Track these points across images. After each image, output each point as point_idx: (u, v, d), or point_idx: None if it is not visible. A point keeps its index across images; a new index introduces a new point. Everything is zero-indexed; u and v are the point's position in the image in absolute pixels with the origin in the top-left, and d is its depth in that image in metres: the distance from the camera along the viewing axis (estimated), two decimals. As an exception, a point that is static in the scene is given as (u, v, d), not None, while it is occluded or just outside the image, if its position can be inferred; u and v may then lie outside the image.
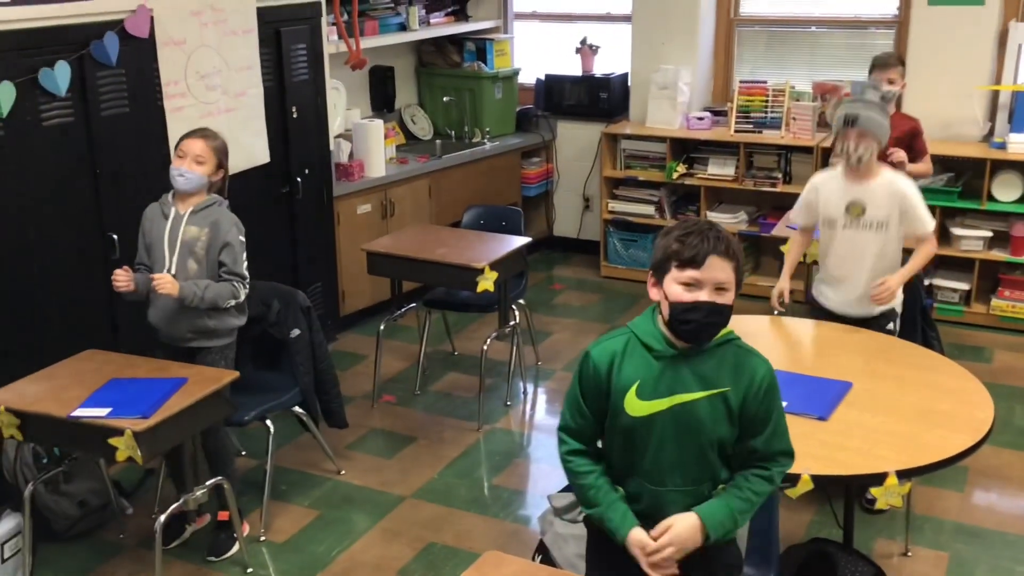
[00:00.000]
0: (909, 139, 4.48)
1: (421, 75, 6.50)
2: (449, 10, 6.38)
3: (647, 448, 2.19)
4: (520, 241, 4.52)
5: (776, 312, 3.76)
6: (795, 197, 5.48)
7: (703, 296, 2.11)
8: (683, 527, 2.17)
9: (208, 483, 3.36)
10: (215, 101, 4.37)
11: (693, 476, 2.20)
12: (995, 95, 5.35)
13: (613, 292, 6.07)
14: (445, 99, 6.31)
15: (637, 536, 2.19)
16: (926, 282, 5.34)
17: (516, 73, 6.47)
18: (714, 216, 5.89)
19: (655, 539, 2.17)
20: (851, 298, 3.65)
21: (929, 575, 3.34)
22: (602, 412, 2.24)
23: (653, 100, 6.03)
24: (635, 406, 2.17)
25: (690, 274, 2.11)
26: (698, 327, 2.13)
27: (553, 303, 5.92)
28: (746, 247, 5.90)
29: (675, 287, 2.13)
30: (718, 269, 2.11)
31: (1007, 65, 5.26)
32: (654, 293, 2.20)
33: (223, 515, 3.56)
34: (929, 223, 3.57)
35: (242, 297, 3.50)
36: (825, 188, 3.67)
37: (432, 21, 6.22)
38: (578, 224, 6.70)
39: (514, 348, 4.71)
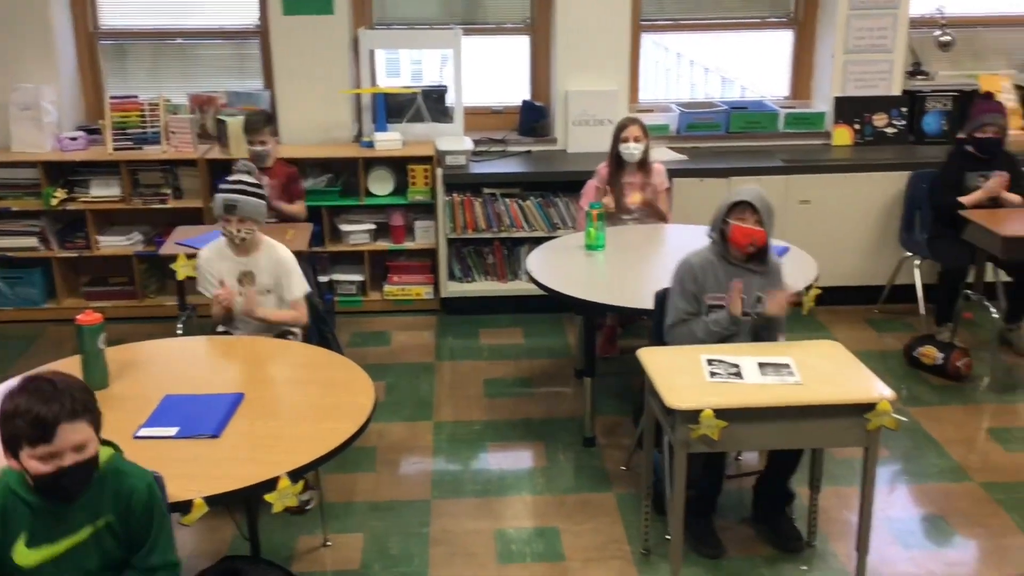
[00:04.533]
0: (288, 183, 4.98)
1: None
2: None
3: None
4: None
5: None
6: (188, 212, 5.49)
7: (65, 462, 2.09)
8: None
9: None
10: None
11: None
12: (359, 98, 5.76)
13: (5, 338, 5.43)
14: None
15: None
16: (325, 278, 5.61)
17: None
18: (105, 240, 5.57)
19: None
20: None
21: (347, 558, 3.49)
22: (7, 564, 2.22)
23: (16, 122, 5.48)
24: (26, 557, 2.18)
25: (43, 450, 2.07)
26: (68, 492, 2.15)
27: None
28: (146, 268, 5.66)
29: (33, 463, 2.09)
30: (71, 434, 2.09)
31: (363, 69, 5.69)
32: (12, 464, 2.13)
33: None
34: (298, 290, 3.81)
35: None
36: (214, 262, 3.80)
37: None
38: (-51, 268, 5.87)
39: None
